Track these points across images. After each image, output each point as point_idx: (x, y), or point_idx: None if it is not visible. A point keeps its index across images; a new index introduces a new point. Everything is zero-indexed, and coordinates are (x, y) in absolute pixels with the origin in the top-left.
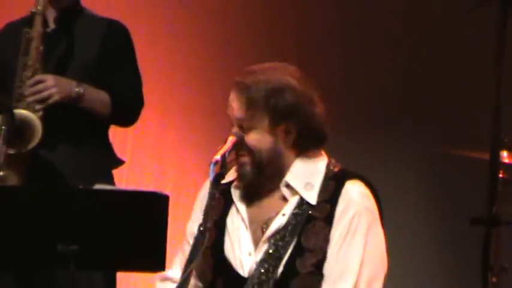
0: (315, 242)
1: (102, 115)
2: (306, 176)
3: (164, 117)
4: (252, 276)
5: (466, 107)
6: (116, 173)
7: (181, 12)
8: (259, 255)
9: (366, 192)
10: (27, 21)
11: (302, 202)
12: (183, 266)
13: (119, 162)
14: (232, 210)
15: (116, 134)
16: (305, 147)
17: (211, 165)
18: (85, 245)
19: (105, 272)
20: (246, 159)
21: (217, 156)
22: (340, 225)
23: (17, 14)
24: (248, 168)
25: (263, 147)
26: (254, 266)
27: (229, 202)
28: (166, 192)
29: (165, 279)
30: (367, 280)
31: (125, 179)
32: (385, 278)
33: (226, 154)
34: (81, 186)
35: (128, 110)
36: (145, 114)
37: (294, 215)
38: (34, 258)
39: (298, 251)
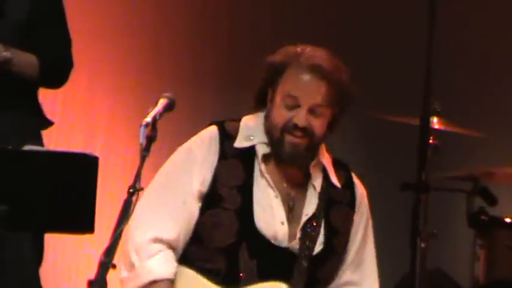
0: (343, 224)
1: (30, 78)
2: (325, 158)
3: (94, 78)
4: (297, 252)
5: (398, 73)
6: (45, 134)
7: None
8: (293, 230)
9: None
10: None
11: (325, 184)
12: (175, 224)
13: (48, 124)
14: (257, 178)
15: (45, 95)
16: (330, 131)
17: (142, 128)
18: (14, 205)
19: (33, 235)
20: (302, 141)
21: (148, 119)
22: (359, 211)
23: None
24: (302, 149)
25: (323, 133)
26: (297, 242)
27: (250, 168)
28: (96, 153)
29: (156, 240)
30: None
31: (54, 141)
32: None
33: (157, 116)
34: (10, 147)
35: (56, 72)
36: (75, 75)
37: (320, 197)
38: None
39: (332, 232)
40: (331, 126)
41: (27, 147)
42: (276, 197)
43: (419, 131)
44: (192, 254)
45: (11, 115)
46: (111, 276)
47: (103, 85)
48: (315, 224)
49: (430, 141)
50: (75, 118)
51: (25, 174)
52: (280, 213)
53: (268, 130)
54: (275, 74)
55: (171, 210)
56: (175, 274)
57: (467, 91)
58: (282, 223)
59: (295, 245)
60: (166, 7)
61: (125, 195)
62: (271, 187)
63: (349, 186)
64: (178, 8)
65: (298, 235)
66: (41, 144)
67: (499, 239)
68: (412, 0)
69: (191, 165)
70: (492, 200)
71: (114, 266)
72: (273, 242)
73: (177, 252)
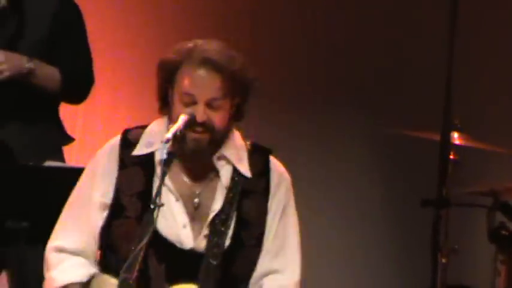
0: (256, 215)
1: (52, 91)
2: (235, 148)
3: (115, 94)
4: (204, 251)
5: (418, 89)
6: (66, 150)
7: None
8: (200, 228)
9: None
10: None
11: (234, 175)
12: (80, 234)
13: (69, 140)
14: (157, 183)
15: (66, 111)
16: (236, 120)
17: (163, 144)
18: (35, 220)
19: None
20: (204, 136)
21: (169, 135)
22: (275, 197)
23: None
24: (205, 144)
25: (224, 125)
26: (203, 241)
27: (150, 174)
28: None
29: (60, 250)
30: (299, 253)
31: (75, 156)
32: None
33: (178, 132)
34: (31, 163)
35: (78, 87)
36: (96, 91)
37: (229, 189)
38: None
39: (241, 224)
40: (236, 115)
41: (48, 163)
42: (177, 200)
43: (439, 147)
44: (111, 262)
45: (32, 131)
46: None
47: (123, 101)
48: (225, 218)
49: (451, 156)
50: (96, 134)
51: (46, 190)
52: (181, 217)
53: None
54: (170, 72)
55: (76, 221)
56: (92, 279)
57: (488, 106)
58: (184, 226)
59: (200, 244)
60: (190, 21)
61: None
62: (171, 191)
63: (263, 173)
64: (204, 15)
65: (204, 233)
66: (62, 160)
67: None
68: (432, 14)
69: (93, 177)
70: None
71: (132, 283)
72: (178, 245)
73: (90, 260)
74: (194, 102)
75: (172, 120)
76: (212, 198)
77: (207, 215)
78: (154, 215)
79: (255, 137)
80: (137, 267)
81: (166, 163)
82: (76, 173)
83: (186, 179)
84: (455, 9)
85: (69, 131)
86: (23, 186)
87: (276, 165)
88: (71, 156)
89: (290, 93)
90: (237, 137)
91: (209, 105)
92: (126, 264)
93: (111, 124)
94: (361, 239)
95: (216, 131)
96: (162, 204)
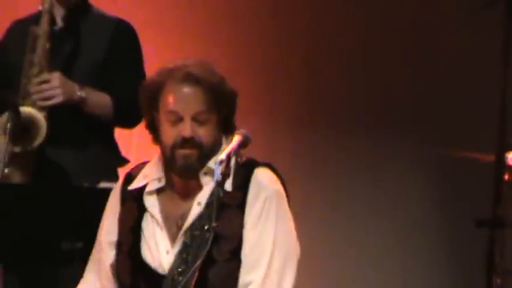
0: (230, 229)
1: (104, 118)
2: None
3: None
4: (171, 268)
5: (472, 109)
6: (121, 171)
7: (188, 12)
8: (176, 248)
9: (274, 178)
10: (35, 19)
11: (215, 190)
12: (99, 277)
13: (124, 161)
14: (146, 215)
15: (121, 133)
16: (225, 133)
17: (216, 165)
18: (89, 241)
19: None
20: (192, 152)
21: (223, 156)
22: (253, 210)
23: (22, 14)
24: (194, 161)
25: (212, 139)
26: (173, 258)
27: (142, 207)
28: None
29: None
30: (282, 261)
31: None
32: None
33: (232, 154)
34: (86, 185)
35: (130, 113)
36: None
37: (208, 204)
38: (39, 255)
39: (214, 240)
40: (224, 129)
41: (102, 185)
42: (161, 229)
43: (494, 167)
44: None
45: (87, 153)
46: None
47: None
48: (198, 234)
49: (505, 177)
50: (150, 155)
51: (100, 210)
52: (163, 244)
53: (163, 153)
54: (154, 95)
55: (94, 264)
56: None
57: None
58: (167, 252)
59: (174, 263)
60: (241, 45)
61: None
62: (156, 220)
63: (243, 186)
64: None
65: (175, 251)
66: (117, 181)
67: None
68: (486, 33)
69: (103, 219)
70: None
71: None
72: (161, 272)
73: None
74: (180, 119)
75: (162, 144)
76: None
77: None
78: (207, 237)
79: (301, 163)
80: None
81: (221, 185)
82: None
83: (175, 202)
84: (510, 25)
85: (124, 153)
86: (77, 207)
87: (259, 177)
88: None
89: (342, 116)
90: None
91: (195, 120)
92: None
93: None
94: (417, 261)
95: (204, 146)
96: (217, 225)
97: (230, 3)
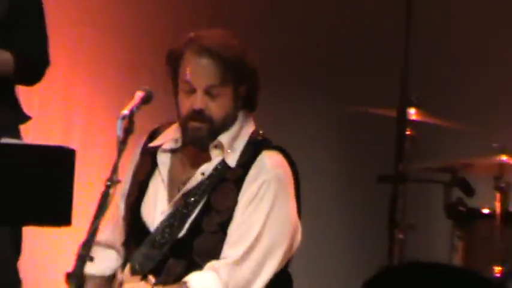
0: (223, 202)
1: (5, 75)
2: (234, 138)
3: (72, 72)
4: (156, 229)
5: (374, 65)
6: (23, 128)
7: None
8: (168, 210)
9: (281, 162)
10: None
11: (222, 164)
12: (113, 226)
13: (26, 118)
14: (156, 173)
15: (22, 90)
16: (246, 111)
17: (119, 121)
18: None
19: (11, 228)
20: (202, 125)
21: (125, 111)
22: (249, 190)
23: None
24: (204, 133)
25: (224, 114)
26: (160, 220)
27: (154, 165)
28: (74, 147)
29: (97, 243)
30: (266, 247)
31: (32, 135)
32: (292, 248)
33: (134, 109)
34: None
35: (32, 69)
36: (53, 69)
37: (210, 176)
38: None
39: (206, 210)
40: (245, 105)
41: (4, 141)
42: (164, 189)
43: (396, 123)
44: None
45: None
46: None
47: (80, 79)
48: (192, 201)
49: (408, 132)
50: (52, 112)
51: (2, 167)
52: (162, 203)
53: (179, 120)
54: (175, 62)
55: (111, 214)
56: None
57: (445, 82)
58: (162, 212)
59: (160, 226)
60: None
61: (102, 188)
62: (163, 179)
63: (246, 164)
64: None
65: (168, 211)
66: (19, 139)
67: (476, 230)
68: None
69: (129, 169)
70: (470, 191)
71: (91, 259)
72: (151, 229)
73: (118, 250)
74: (193, 91)
75: (178, 111)
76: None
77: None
78: (110, 192)
79: None
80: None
81: (123, 141)
82: (32, 150)
83: (184, 167)
84: None
85: (25, 109)
86: None
87: (264, 159)
88: (28, 134)
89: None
90: (245, 127)
91: (208, 93)
92: (83, 242)
93: (68, 102)
94: (318, 214)
95: (215, 120)
96: (119, 181)
97: None
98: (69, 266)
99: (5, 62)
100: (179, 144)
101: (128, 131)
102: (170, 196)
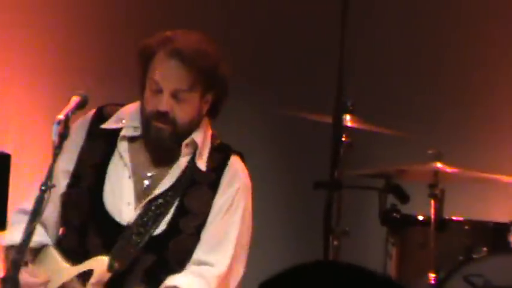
0: (199, 205)
1: None
2: (201, 142)
3: (7, 73)
4: (130, 226)
5: (310, 71)
6: None
7: None
8: (139, 207)
9: (246, 170)
10: None
11: (190, 166)
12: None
13: None
14: (116, 157)
15: None
16: (210, 117)
17: (55, 125)
18: None
19: None
20: (165, 126)
21: (61, 116)
22: (224, 195)
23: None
24: (166, 135)
25: (189, 119)
26: (134, 217)
27: (111, 148)
28: (8, 151)
29: (22, 211)
30: (242, 256)
31: None
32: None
33: (70, 114)
34: None
35: None
36: None
37: (180, 177)
38: None
39: (181, 212)
40: (209, 112)
41: None
42: (129, 177)
43: (332, 129)
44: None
45: None
46: None
47: (17, 82)
48: (164, 203)
49: (343, 139)
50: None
51: None
52: (128, 194)
53: (142, 115)
54: (146, 59)
55: None
56: (43, 249)
57: (380, 88)
58: (129, 204)
59: (134, 223)
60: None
61: (37, 193)
62: (127, 167)
63: (218, 169)
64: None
65: (138, 211)
66: None
67: (411, 236)
68: None
69: (63, 146)
70: (404, 198)
71: (26, 263)
72: (117, 220)
73: (50, 230)
74: (160, 91)
75: (142, 106)
76: (160, 181)
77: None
78: (46, 197)
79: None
80: (28, 247)
81: (58, 146)
82: None
83: (146, 159)
84: None
85: None
86: None
87: (235, 166)
88: None
89: None
90: (207, 131)
91: (175, 96)
92: (18, 245)
93: (3, 105)
94: (253, 222)
95: (179, 123)
96: (54, 186)
97: None
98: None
99: None
100: (139, 132)
101: (63, 136)
102: (136, 187)
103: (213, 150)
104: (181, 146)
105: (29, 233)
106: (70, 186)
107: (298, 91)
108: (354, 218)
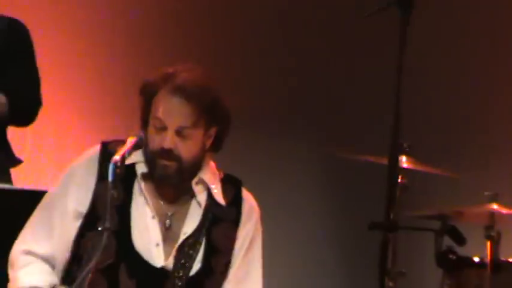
0: (225, 242)
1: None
2: (211, 177)
3: (63, 116)
4: (169, 269)
5: (366, 111)
6: (13, 172)
7: (80, 10)
8: (170, 249)
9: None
10: None
11: (209, 201)
12: (51, 241)
13: (17, 162)
14: (136, 197)
15: (14, 133)
16: (213, 151)
17: (111, 166)
18: None
19: None
20: (171, 163)
21: (117, 157)
22: (246, 227)
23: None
24: (172, 172)
25: (193, 155)
26: (172, 261)
27: (129, 187)
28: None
29: (29, 253)
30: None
31: (22, 178)
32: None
33: (126, 155)
34: None
35: (25, 111)
36: (44, 113)
37: (204, 215)
38: None
39: (210, 250)
40: (212, 146)
41: None
42: (153, 217)
43: (387, 170)
44: (74, 274)
45: None
46: None
47: (72, 123)
48: (194, 242)
49: (399, 180)
50: (44, 156)
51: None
52: (155, 235)
53: (145, 152)
54: (150, 95)
55: (47, 227)
56: None
57: (437, 130)
58: (157, 245)
59: (169, 264)
60: (138, 46)
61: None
62: (149, 205)
63: (235, 202)
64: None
65: (174, 254)
66: (10, 182)
67: (467, 278)
68: (382, 34)
69: (69, 186)
70: (460, 239)
71: None
72: (149, 262)
73: (56, 268)
74: (164, 128)
75: (145, 143)
76: (183, 220)
77: (178, 236)
78: (104, 238)
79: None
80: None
81: (115, 186)
82: (23, 195)
83: (159, 196)
84: (404, 31)
85: (17, 153)
86: None
87: (248, 197)
88: (19, 178)
89: (241, 118)
90: (212, 166)
91: (179, 133)
92: (75, 285)
93: (60, 146)
94: (309, 262)
95: (184, 160)
96: (109, 228)
97: None
98: None
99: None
100: (145, 169)
101: (118, 176)
102: (161, 228)
103: (223, 182)
104: (186, 181)
105: (86, 274)
106: (90, 228)
107: (354, 132)
108: (410, 259)
